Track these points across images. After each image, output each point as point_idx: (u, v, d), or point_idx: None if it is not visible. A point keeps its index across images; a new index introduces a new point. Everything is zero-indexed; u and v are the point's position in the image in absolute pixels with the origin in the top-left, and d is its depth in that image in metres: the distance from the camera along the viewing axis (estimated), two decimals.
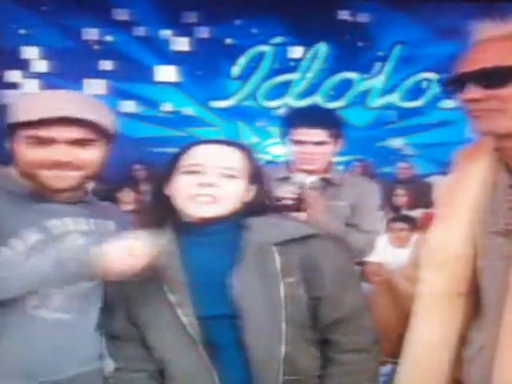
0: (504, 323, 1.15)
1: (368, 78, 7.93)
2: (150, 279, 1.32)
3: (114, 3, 7.53)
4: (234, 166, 1.35)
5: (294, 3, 7.20)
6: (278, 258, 1.32)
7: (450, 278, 1.25)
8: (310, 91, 7.86)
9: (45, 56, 7.45)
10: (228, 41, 7.70)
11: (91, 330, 1.42)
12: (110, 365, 1.41)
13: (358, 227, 2.37)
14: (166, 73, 7.67)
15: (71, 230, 1.39)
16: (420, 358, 1.28)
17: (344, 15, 7.79)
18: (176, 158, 1.38)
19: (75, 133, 1.33)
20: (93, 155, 1.37)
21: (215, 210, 1.33)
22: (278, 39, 7.78)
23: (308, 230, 1.37)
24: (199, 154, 1.36)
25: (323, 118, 2.36)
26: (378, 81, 7.96)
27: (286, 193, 2.08)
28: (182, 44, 7.67)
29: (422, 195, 5.96)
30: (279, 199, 2.04)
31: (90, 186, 2.21)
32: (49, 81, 7.29)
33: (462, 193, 1.27)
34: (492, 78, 1.13)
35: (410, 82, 7.93)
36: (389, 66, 7.93)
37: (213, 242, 1.35)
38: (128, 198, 5.13)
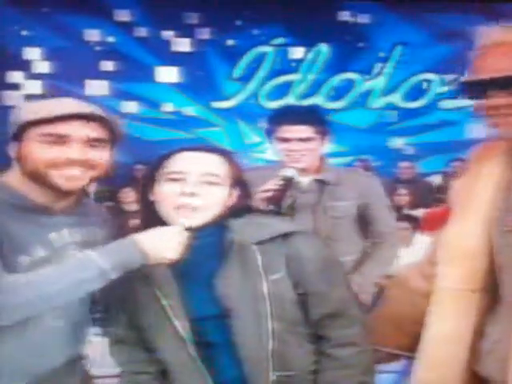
0: None
1: (369, 78, 7.94)
2: (144, 285, 1.36)
3: (115, 4, 7.54)
4: (216, 173, 1.37)
5: (294, 4, 7.21)
6: (259, 257, 1.34)
7: (465, 274, 1.26)
8: (311, 92, 7.88)
9: (47, 57, 7.45)
10: (229, 42, 7.72)
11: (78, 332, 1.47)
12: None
13: (373, 229, 2.39)
14: (168, 73, 7.67)
15: (69, 242, 1.40)
16: (436, 353, 1.29)
17: (345, 16, 7.81)
18: (158, 164, 1.39)
19: (90, 131, 1.34)
20: (103, 156, 1.39)
21: (199, 219, 1.34)
22: (279, 40, 7.80)
23: (289, 228, 1.39)
24: (181, 162, 1.37)
25: (306, 114, 2.37)
26: (378, 81, 7.97)
27: (268, 185, 2.10)
28: (183, 45, 7.68)
29: (423, 195, 6.00)
30: (263, 191, 2.06)
31: (92, 187, 2.21)
32: (51, 82, 7.31)
33: (477, 192, 1.27)
34: None
35: (410, 82, 7.94)
36: (389, 66, 7.94)
37: (199, 245, 1.36)
38: (129, 198, 5.15)
